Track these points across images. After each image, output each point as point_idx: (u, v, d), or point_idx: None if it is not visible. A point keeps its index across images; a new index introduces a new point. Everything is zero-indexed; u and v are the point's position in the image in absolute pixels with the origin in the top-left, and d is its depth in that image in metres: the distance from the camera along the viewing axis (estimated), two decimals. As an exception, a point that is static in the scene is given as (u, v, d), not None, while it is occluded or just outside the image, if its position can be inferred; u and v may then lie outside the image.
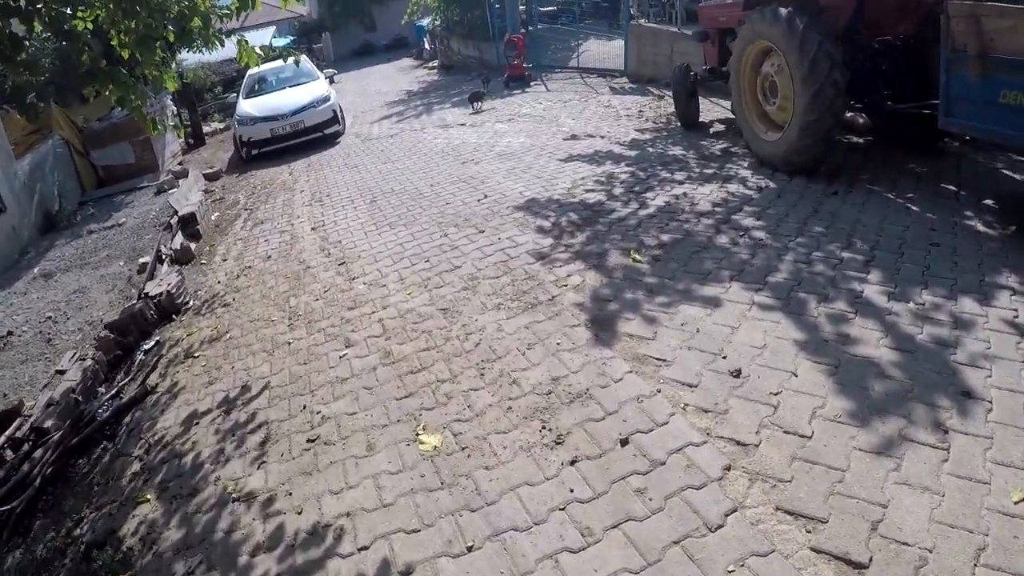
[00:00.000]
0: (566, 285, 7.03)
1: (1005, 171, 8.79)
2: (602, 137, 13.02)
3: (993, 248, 6.53)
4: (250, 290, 8.80)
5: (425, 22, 37.09)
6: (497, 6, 25.73)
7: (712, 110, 13.84)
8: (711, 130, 12.67)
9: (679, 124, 13.18)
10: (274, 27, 47.56)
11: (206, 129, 24.88)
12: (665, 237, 7.85)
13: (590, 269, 7.32)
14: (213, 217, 13.01)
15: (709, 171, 10.07)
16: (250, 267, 9.63)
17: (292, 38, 49.55)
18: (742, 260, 6.99)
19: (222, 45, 7.30)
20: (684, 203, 8.85)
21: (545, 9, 28.28)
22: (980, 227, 7.02)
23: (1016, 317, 5.35)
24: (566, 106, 16.83)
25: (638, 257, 7.44)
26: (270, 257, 9.86)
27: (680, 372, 5.25)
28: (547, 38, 25.14)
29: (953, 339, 5.13)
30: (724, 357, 5.33)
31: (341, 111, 19.01)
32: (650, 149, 11.75)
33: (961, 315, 5.45)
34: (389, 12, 48.96)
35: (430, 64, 34.34)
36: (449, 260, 8.20)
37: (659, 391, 5.05)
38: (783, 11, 8.79)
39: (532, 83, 21.23)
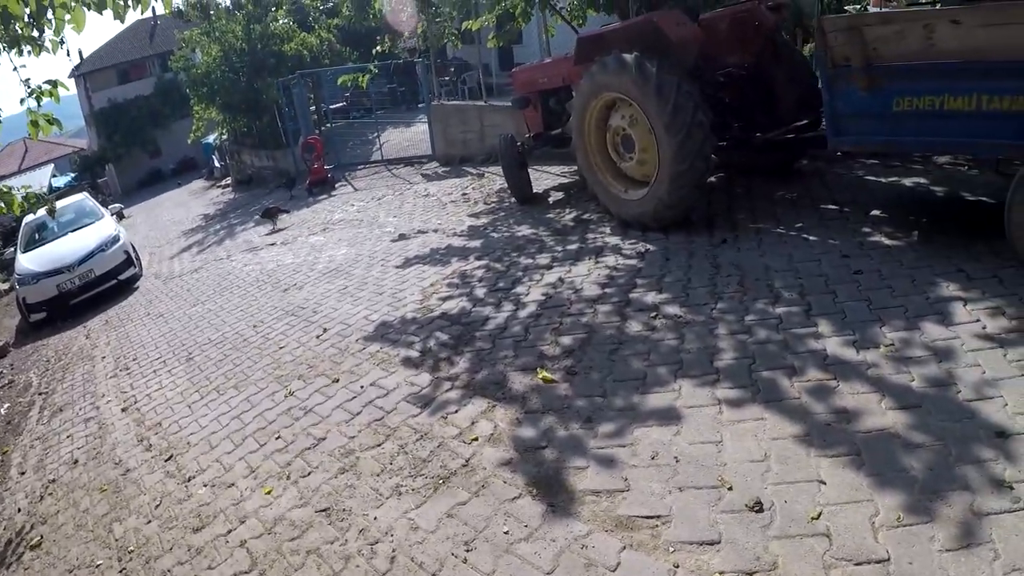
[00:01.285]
0: (476, 438, 5.07)
1: (868, 177, 8.76)
2: (434, 231, 11.21)
3: (912, 259, 6.11)
4: (60, 517, 6.19)
5: (211, 138, 34.47)
6: (287, 109, 23.65)
7: (542, 179, 12.47)
8: (550, 200, 11.22)
9: (514, 200, 11.67)
10: (52, 165, 43.78)
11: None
12: (567, 340, 6.14)
13: (496, 406, 5.42)
14: (2, 411, 10.21)
15: (573, 246, 8.57)
16: (55, 481, 6.99)
17: (72, 175, 45.57)
18: (672, 348, 5.61)
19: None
20: (566, 291, 7.22)
21: (335, 106, 26.34)
22: (886, 241, 6.65)
23: (984, 328, 4.84)
24: (381, 204, 14.95)
25: (548, 375, 5.63)
26: (77, 462, 7.24)
27: (688, 529, 3.70)
28: (344, 135, 23.30)
29: (946, 375, 4.43)
30: (729, 488, 3.90)
31: (135, 251, 16.43)
32: (494, 234, 10.03)
33: (936, 344, 4.78)
34: (173, 134, 45.65)
35: (223, 183, 31.77)
36: (306, 431, 5.95)
37: (677, 566, 3.47)
38: (628, 57, 7.73)
39: (337, 185, 19.28)
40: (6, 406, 10.28)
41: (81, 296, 14.59)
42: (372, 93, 23.84)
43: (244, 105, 25.31)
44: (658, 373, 5.26)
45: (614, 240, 8.42)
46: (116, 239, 15.44)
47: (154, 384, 8.53)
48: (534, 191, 11.56)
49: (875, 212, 7.41)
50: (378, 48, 14.62)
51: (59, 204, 18.94)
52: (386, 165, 19.87)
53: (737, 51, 8.92)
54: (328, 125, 24.46)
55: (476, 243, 9.79)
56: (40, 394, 10.14)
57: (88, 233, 15.89)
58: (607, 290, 6.97)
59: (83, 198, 18.68)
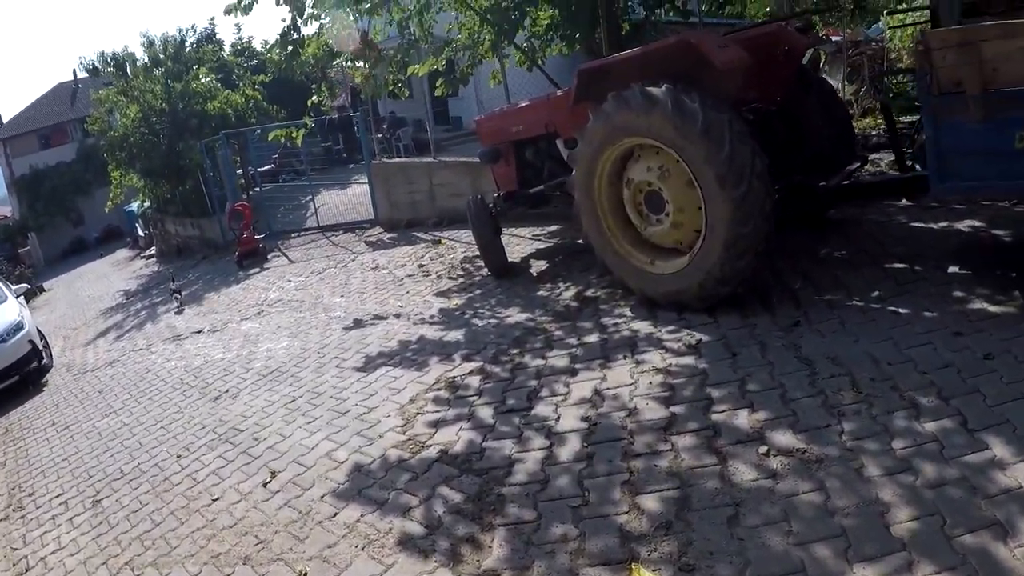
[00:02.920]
0: None
1: (914, 224, 7.52)
2: (396, 316, 8.88)
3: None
4: None
5: (135, 206, 31.57)
6: (211, 173, 21.06)
7: (513, 244, 10.41)
8: (532, 271, 9.13)
9: (487, 273, 9.50)
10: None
11: None
12: (653, 503, 3.99)
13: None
14: None
15: (591, 338, 6.43)
16: None
17: (-9, 245, 42.20)
18: (817, 508, 3.65)
19: None
20: (614, 413, 5.04)
21: (263, 169, 23.79)
22: (990, 307, 5.27)
23: None
24: (323, 279, 12.52)
25: (645, 573, 3.46)
26: None
27: None
28: (274, 200, 20.80)
29: None
30: None
31: (43, 338, 13.65)
32: (477, 321, 7.79)
33: None
34: (97, 201, 42.16)
35: (147, 253, 28.86)
36: None
37: None
38: (658, 91, 5.81)
39: (271, 256, 16.76)
40: None
41: (-21, 396, 11.76)
42: (304, 153, 21.44)
43: (166, 170, 22.67)
44: (819, 557, 3.32)
45: (643, 327, 6.33)
46: (19, 327, 12.63)
47: (51, 541, 6.07)
48: (509, 260, 9.32)
49: (953, 268, 6.06)
50: (313, 99, 12.33)
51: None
52: (323, 232, 17.46)
53: (763, 82, 7.04)
54: (256, 189, 21.91)
55: (456, 334, 7.49)
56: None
57: (-15, 320, 13.07)
58: (675, 409, 4.84)
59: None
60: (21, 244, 44.84)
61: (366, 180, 16.87)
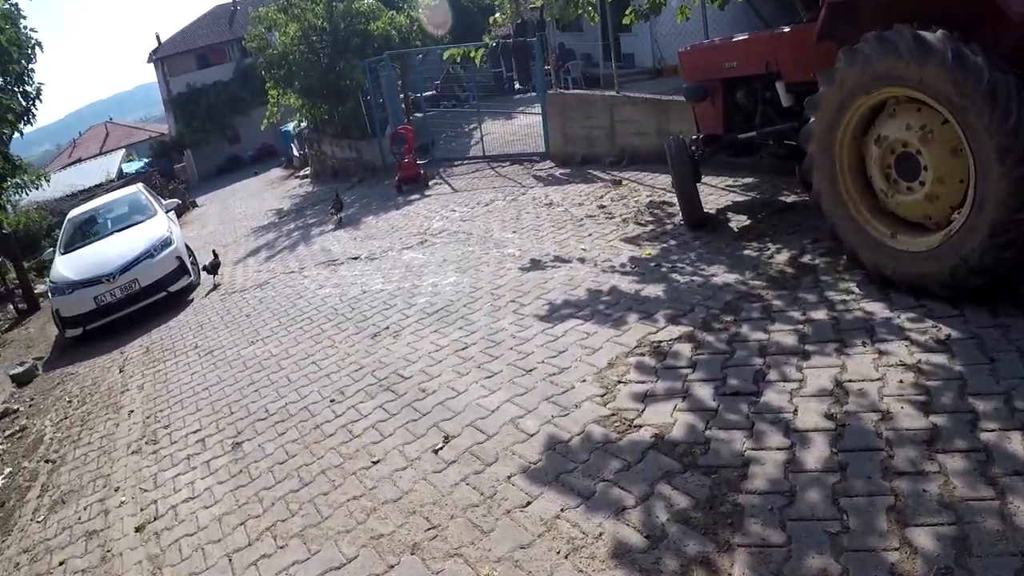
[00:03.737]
0: None
1: None
2: (580, 260, 8.12)
3: None
4: None
5: (291, 126, 31.86)
6: (373, 95, 20.71)
7: (704, 193, 9.23)
8: (732, 225, 8.13)
9: (680, 222, 8.61)
10: (123, 151, 41.98)
11: (40, 288, 18.49)
12: (926, 540, 3.15)
13: None
14: (1, 479, 7.47)
15: (818, 314, 5.50)
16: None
17: (146, 160, 43.73)
18: None
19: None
20: (863, 413, 4.13)
21: (425, 95, 23.31)
22: None
23: None
24: (491, 212, 11.85)
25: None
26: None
27: None
28: (437, 126, 20.21)
29: None
30: None
31: (192, 255, 13.73)
32: (678, 277, 6.91)
33: None
34: (253, 121, 43.39)
35: (302, 173, 29.10)
36: None
37: None
38: (935, 37, 4.83)
39: (432, 183, 16.27)
40: (7, 471, 7.52)
41: (123, 311, 11.92)
42: (468, 80, 20.77)
43: (325, 90, 22.40)
44: None
45: (878, 309, 5.36)
46: (168, 242, 12.64)
47: (184, 488, 5.69)
48: (705, 211, 8.40)
49: None
50: (496, 16, 11.61)
51: (109, 197, 16.48)
52: (489, 162, 16.81)
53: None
54: (417, 115, 21.43)
55: (656, 290, 6.66)
56: (47, 461, 7.36)
57: (135, 234, 13.17)
58: (935, 419, 3.91)
59: (136, 191, 15.94)
60: (177, 160, 46.45)
61: (536, 111, 16.10)
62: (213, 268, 13.43)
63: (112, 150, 46.62)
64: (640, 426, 4.52)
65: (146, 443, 6.83)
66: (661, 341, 5.57)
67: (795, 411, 4.29)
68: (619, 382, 5.11)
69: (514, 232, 10.05)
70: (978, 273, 4.91)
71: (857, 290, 5.79)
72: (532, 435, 4.73)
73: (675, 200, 9.38)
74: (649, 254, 7.73)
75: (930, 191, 5.23)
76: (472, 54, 11.68)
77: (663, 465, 4.09)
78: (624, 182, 11.36)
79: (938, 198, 5.21)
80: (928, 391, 4.17)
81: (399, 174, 16.67)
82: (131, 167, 38.28)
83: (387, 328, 7.55)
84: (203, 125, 47.63)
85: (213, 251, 14.56)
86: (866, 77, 5.36)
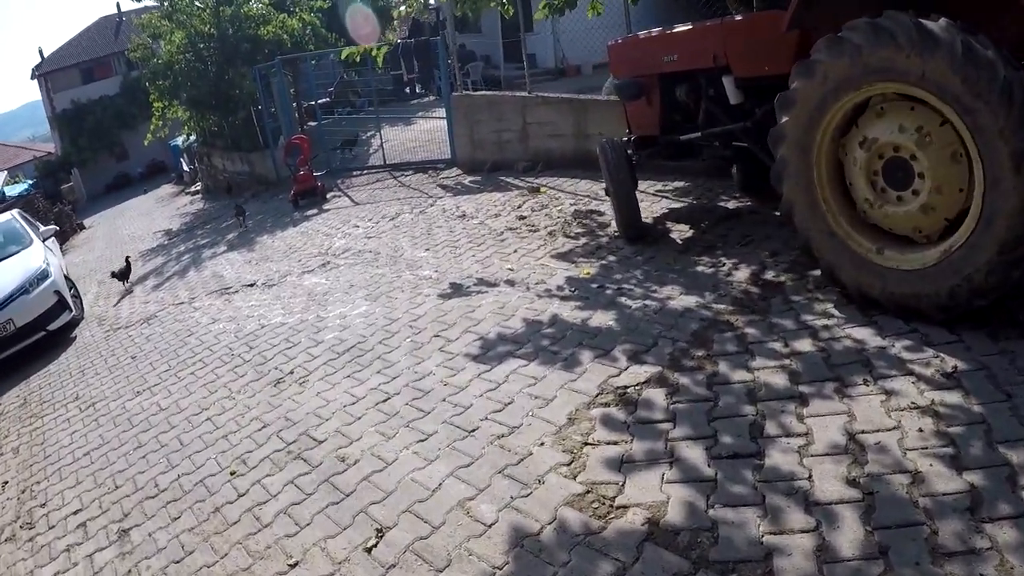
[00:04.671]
0: None
1: None
2: (509, 283, 7.08)
3: None
4: None
5: (179, 140, 30.05)
6: (264, 104, 19.30)
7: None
8: (675, 236, 7.30)
9: (614, 233, 7.76)
10: (4, 173, 39.25)
11: None
12: None
13: None
14: None
15: (803, 345, 4.70)
16: None
17: (30, 182, 41.10)
18: None
19: None
20: (884, 472, 3.38)
21: (320, 102, 21.98)
22: None
23: None
24: (398, 226, 10.72)
25: None
26: None
27: None
28: (333, 134, 18.90)
29: None
30: None
31: (73, 286, 12.22)
32: (627, 302, 5.96)
33: None
34: (141, 136, 41.16)
35: (192, 189, 27.39)
36: None
37: None
38: (939, 26, 4.16)
39: (330, 196, 15.02)
40: None
41: (-2, 355, 10.26)
42: (370, 82, 19.57)
43: (214, 100, 20.92)
44: None
45: (868, 336, 4.59)
46: (44, 275, 11.10)
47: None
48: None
49: None
50: (402, 9, 10.59)
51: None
52: (391, 171, 15.65)
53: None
54: (312, 124, 20.13)
55: (606, 319, 5.68)
56: None
57: (8, 268, 11.55)
58: (971, 479, 3.19)
59: (9, 218, 14.22)
60: (64, 180, 43.96)
61: (439, 114, 15.16)
62: (123, 275, 13.01)
63: (-3, 172, 43.89)
64: (625, 507, 3.54)
65: (21, 527, 5.57)
66: (627, 387, 4.59)
67: (810, 476, 3.43)
68: (585, 443, 4.11)
69: (427, 250, 8.95)
70: (981, 294, 4.26)
71: (837, 312, 5.01)
72: (490, 525, 3.67)
73: (604, 208, 8.56)
74: (588, 273, 6.77)
75: (926, 201, 4.50)
76: (374, 53, 10.58)
77: (667, 565, 3.13)
78: (542, 189, 10.41)
79: (934, 209, 4.49)
80: (953, 441, 3.44)
81: (295, 187, 15.39)
82: (14, 190, 35.80)
83: (291, 372, 6.39)
84: (90, 143, 45.09)
85: (126, 257, 14.03)
86: (855, 71, 4.55)
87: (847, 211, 5.01)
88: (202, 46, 20.41)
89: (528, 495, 3.78)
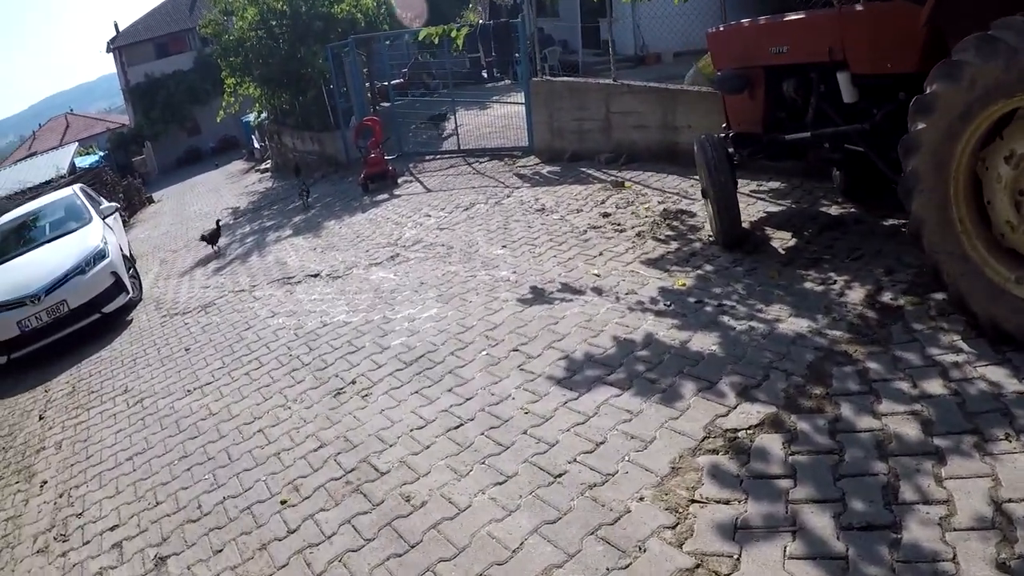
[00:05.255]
0: None
1: None
2: (596, 291, 6.56)
3: None
4: None
5: (251, 117, 30.03)
6: (336, 84, 19.00)
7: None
8: (775, 243, 6.74)
9: (710, 238, 7.22)
10: (76, 143, 39.81)
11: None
12: None
13: None
14: None
15: (933, 387, 4.13)
16: None
17: (101, 153, 41.61)
18: None
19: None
20: None
21: (392, 83, 21.61)
22: None
23: None
24: (472, 218, 10.26)
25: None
26: None
27: None
28: (406, 117, 18.53)
29: None
30: None
31: (132, 266, 12.07)
32: (730, 322, 5.42)
33: None
34: (214, 112, 41.61)
35: (262, 167, 27.31)
36: None
37: None
38: None
39: (401, 181, 14.64)
40: None
41: (51, 336, 10.14)
42: (444, 64, 19.13)
43: (285, 78, 20.61)
44: None
45: (1004, 378, 4.04)
46: (102, 255, 10.90)
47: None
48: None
49: None
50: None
51: (40, 202, 14.67)
52: (465, 157, 15.21)
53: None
54: (385, 105, 19.78)
55: (708, 342, 5.15)
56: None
57: (65, 246, 11.38)
58: None
59: (71, 194, 14.08)
60: (136, 153, 44.75)
61: (516, 99, 14.59)
62: (213, 238, 13.51)
63: (71, 142, 44.56)
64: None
65: (55, 538, 5.27)
66: (738, 430, 4.06)
67: (954, 556, 2.94)
68: (692, 500, 3.61)
69: (504, 247, 8.48)
70: None
71: (966, 347, 4.45)
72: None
73: (695, 209, 8.02)
74: (683, 284, 6.23)
75: None
76: (454, 34, 10.13)
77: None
78: (627, 184, 9.85)
79: None
80: (1116, 514, 2.84)
81: (365, 170, 15.03)
82: (84, 161, 36.13)
83: (353, 382, 5.99)
84: (162, 116, 46.11)
85: (216, 221, 14.61)
86: (1010, 76, 3.95)
87: (983, 234, 4.46)
88: (274, 23, 20.09)
89: (627, 567, 3.29)
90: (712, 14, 10.13)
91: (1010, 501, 3.12)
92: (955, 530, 3.05)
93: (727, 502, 3.54)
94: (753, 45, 6.62)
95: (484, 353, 5.76)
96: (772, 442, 3.89)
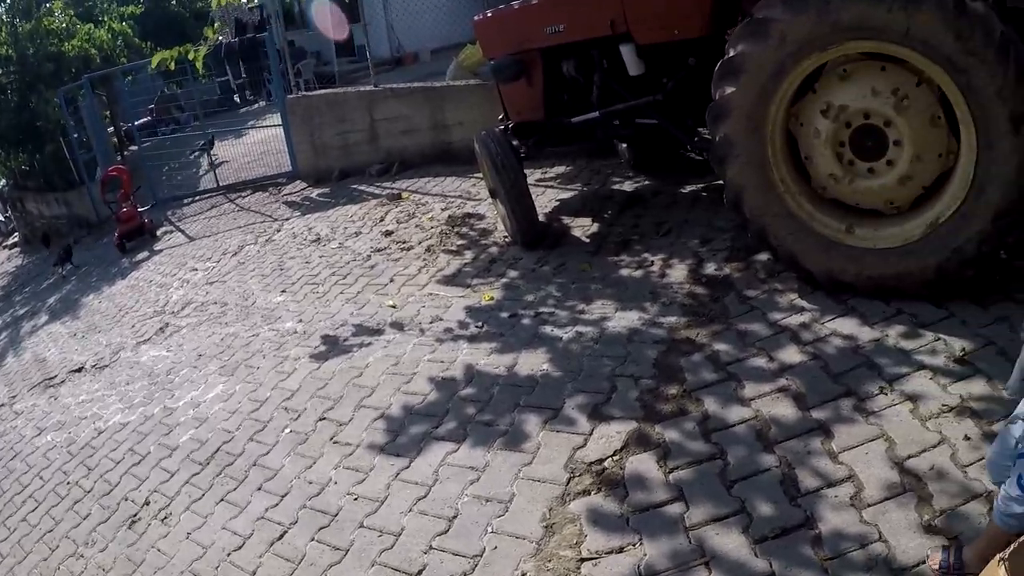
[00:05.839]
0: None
1: None
2: (396, 327, 5.75)
3: None
4: None
5: (-10, 183, 26.93)
6: (76, 135, 17.09)
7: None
8: (578, 233, 6.37)
9: (507, 240, 6.70)
10: None
11: None
12: None
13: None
14: None
15: (789, 355, 3.92)
16: None
17: None
18: None
19: None
20: (960, 503, 2.79)
21: (139, 122, 19.72)
22: None
23: None
24: (243, 263, 9.16)
25: None
26: None
27: None
28: (157, 159, 16.94)
29: None
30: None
31: None
32: (555, 332, 4.89)
33: None
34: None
35: (10, 241, 24.26)
36: None
37: None
38: None
39: (160, 233, 13.24)
40: None
41: None
42: (189, 95, 17.71)
43: (20, 134, 18.10)
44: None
45: (856, 330, 3.97)
46: None
47: None
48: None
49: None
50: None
51: None
52: (226, 194, 14.00)
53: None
54: (133, 148, 18.11)
55: (538, 362, 4.53)
56: None
57: None
58: None
59: None
60: None
61: (274, 122, 13.61)
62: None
63: None
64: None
65: None
66: (603, 460, 3.52)
67: (880, 536, 2.73)
68: (581, 560, 3.03)
69: (284, 292, 7.51)
70: (971, 264, 3.92)
71: (807, 303, 4.32)
72: None
73: (482, 210, 7.59)
74: (491, 298, 5.64)
75: (905, 172, 4.02)
76: (191, 55, 9.13)
77: None
78: (404, 194, 9.20)
79: (911, 179, 4.05)
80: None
81: (119, 228, 13.43)
82: None
83: (147, 504, 4.85)
84: None
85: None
86: (822, 29, 3.92)
87: (805, 190, 4.39)
88: (0, 72, 17.85)
89: None
90: (465, 5, 9.71)
91: (910, 457, 3.00)
92: (869, 505, 2.85)
93: (621, 550, 3.01)
94: (526, 28, 6.19)
95: (288, 431, 4.83)
96: (645, 464, 3.40)
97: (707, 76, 4.43)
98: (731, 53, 4.18)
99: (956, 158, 3.81)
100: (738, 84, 4.20)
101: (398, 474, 3.92)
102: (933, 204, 3.96)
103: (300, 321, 6.54)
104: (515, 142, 6.38)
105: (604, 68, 5.85)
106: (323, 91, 12.52)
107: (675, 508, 3.11)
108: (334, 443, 4.45)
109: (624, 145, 7.32)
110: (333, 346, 5.75)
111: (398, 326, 5.69)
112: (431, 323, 5.54)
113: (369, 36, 12.53)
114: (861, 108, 4.00)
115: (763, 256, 4.83)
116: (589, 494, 3.32)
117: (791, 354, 3.87)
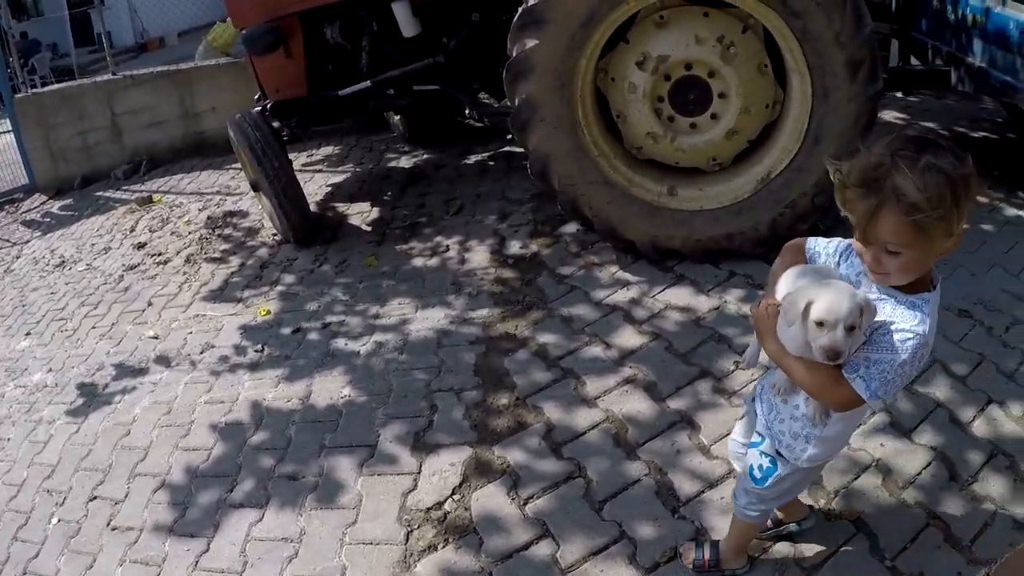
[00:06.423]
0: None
1: None
2: (162, 362, 4.73)
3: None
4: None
5: None
6: None
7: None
8: (358, 223, 5.78)
9: (278, 239, 5.91)
10: None
11: None
12: None
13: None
14: None
15: (626, 338, 3.55)
16: None
17: None
18: None
19: None
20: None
21: None
22: None
23: None
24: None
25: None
26: None
27: None
28: None
29: None
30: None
31: None
32: (350, 346, 4.17)
33: None
34: None
35: None
36: None
37: None
38: None
39: None
40: None
41: None
42: None
43: None
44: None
45: (680, 299, 3.78)
46: None
47: None
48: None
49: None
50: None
51: None
52: (-54, 221, 12.16)
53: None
54: None
55: (336, 388, 3.80)
56: None
57: None
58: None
59: None
60: None
61: (3, 128, 11.98)
62: None
63: None
64: None
65: None
66: (441, 503, 2.89)
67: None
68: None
69: (28, 335, 6.18)
70: (805, 218, 3.91)
71: (632, 277, 4.00)
72: None
73: (243, 206, 6.84)
74: (266, 313, 4.82)
75: (732, 125, 3.88)
76: None
77: None
78: (156, 197, 8.14)
79: (737, 133, 3.93)
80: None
81: None
82: None
83: None
84: None
85: None
86: None
87: (619, 151, 4.10)
88: None
89: None
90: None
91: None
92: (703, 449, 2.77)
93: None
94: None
95: (56, 521, 3.72)
96: (493, 498, 2.85)
97: (493, 33, 4.07)
98: (532, 1, 3.69)
99: (782, 109, 3.74)
100: (542, 36, 3.73)
101: (197, 562, 3.06)
102: (761, 158, 3.83)
103: (50, 370, 5.36)
104: (276, 124, 5.59)
105: (374, 30, 5.23)
106: (55, 86, 11.10)
107: (543, 548, 2.58)
108: (113, 530, 3.46)
109: (397, 117, 6.77)
110: (92, 397, 4.69)
111: (164, 361, 4.73)
112: (202, 353, 4.63)
113: (107, 21, 11.23)
114: (682, 58, 3.78)
115: (571, 227, 4.46)
116: (436, 549, 2.69)
117: (628, 337, 3.49)
